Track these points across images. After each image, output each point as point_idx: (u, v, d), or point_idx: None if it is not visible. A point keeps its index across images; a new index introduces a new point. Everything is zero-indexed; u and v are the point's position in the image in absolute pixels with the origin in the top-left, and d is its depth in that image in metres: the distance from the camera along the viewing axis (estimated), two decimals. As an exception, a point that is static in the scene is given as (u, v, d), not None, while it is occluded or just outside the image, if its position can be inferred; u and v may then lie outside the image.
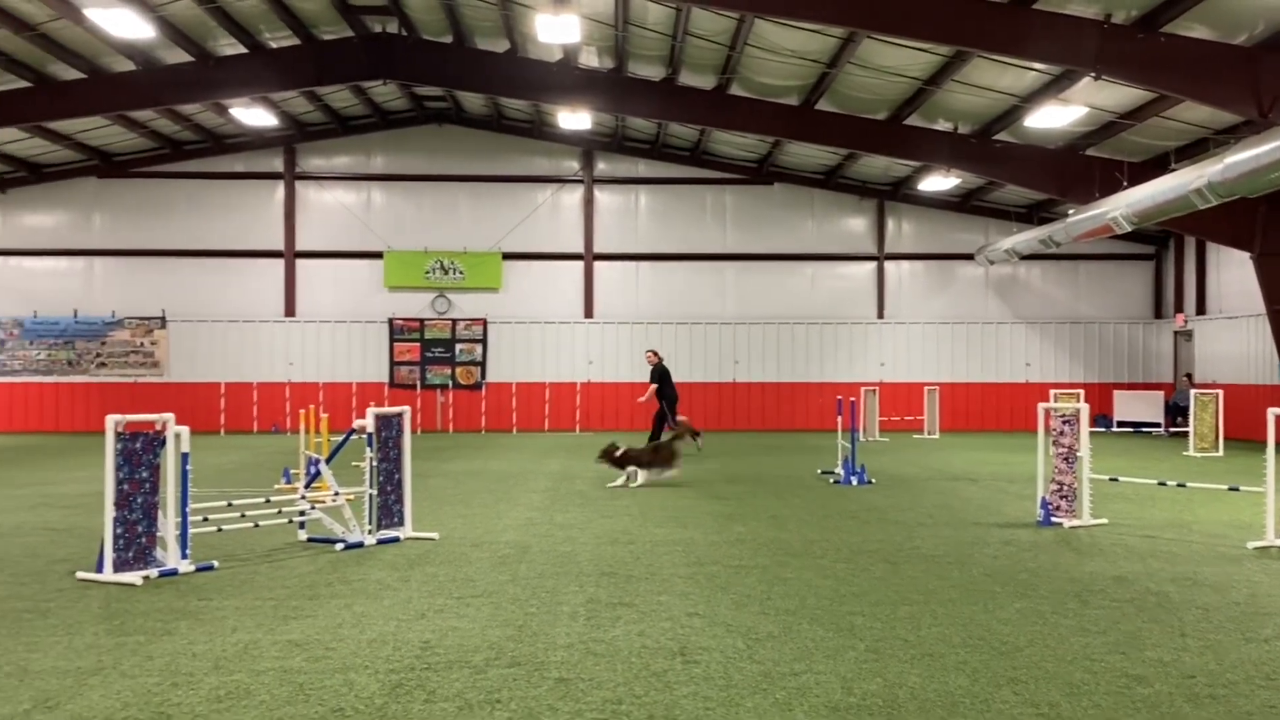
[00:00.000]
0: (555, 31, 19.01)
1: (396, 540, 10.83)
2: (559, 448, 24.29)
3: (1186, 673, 6.14)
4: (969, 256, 31.68)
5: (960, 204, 31.38)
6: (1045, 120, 21.15)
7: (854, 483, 16.39)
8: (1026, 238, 27.50)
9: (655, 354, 22.75)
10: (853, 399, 18.56)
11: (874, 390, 27.88)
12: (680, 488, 15.85)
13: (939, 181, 27.60)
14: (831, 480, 16.83)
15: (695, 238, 31.58)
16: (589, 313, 31.28)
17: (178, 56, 23.14)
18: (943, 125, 24.27)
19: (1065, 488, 12.40)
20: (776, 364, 31.53)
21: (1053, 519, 12.24)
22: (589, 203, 31.39)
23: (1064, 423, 12.54)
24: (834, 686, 5.82)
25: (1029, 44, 17.34)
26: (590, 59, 24.03)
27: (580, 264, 31.37)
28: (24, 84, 23.15)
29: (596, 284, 31.40)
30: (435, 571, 9.26)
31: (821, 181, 31.32)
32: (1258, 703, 5.60)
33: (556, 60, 24.09)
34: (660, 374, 22.04)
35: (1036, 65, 19.26)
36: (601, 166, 31.51)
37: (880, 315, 31.86)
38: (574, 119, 25.60)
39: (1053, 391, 24.36)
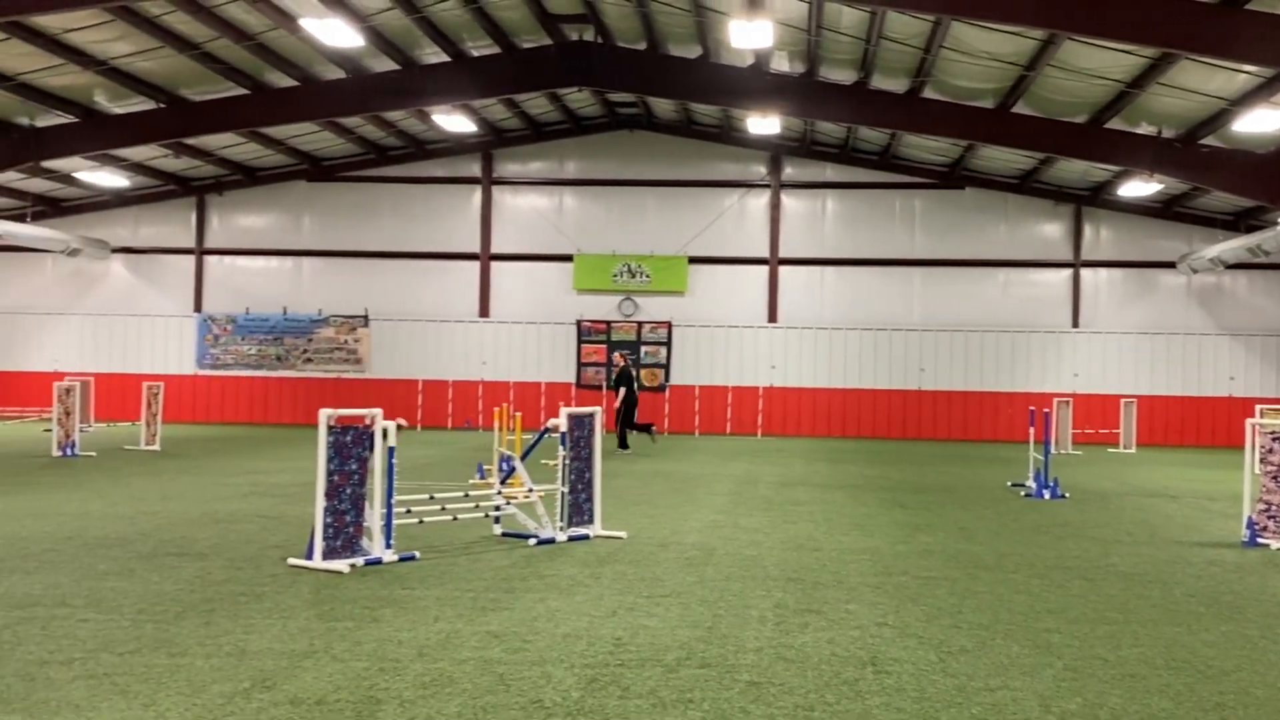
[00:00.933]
0: (748, 37, 19.08)
1: (586, 538, 11.07)
2: (741, 451, 24.35)
3: None
4: (1170, 264, 30.46)
5: (1162, 210, 30.20)
6: (1256, 124, 20.22)
7: (1046, 496, 15.98)
8: (1233, 246, 26.33)
9: (624, 357, 25.88)
10: (1045, 410, 18.08)
11: (1067, 401, 27.07)
12: (863, 495, 15.71)
13: (1140, 187, 26.63)
14: (1022, 493, 16.44)
15: (882, 243, 31.22)
16: (773, 317, 31.26)
17: (384, 65, 24.10)
18: (1146, 129, 23.41)
19: (1274, 508, 11.86)
20: (964, 372, 30.92)
21: (1259, 540, 11.72)
22: (775, 207, 31.38)
23: (1273, 439, 11.98)
24: (1031, 704, 5.74)
25: (1239, 45, 16.62)
26: (781, 63, 24.02)
27: (765, 269, 31.37)
28: (242, 91, 24.47)
29: (781, 289, 31.36)
30: (624, 570, 9.44)
31: (1015, 186, 30.58)
32: None
33: (748, 65, 24.17)
34: (623, 379, 23.84)
35: (1247, 67, 18.43)
36: (789, 171, 31.46)
37: (1075, 324, 30.93)
38: (763, 123, 25.64)
39: (1259, 407, 23.24)
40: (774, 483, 17.33)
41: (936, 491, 16.56)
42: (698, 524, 12.41)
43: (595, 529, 11.33)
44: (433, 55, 24.11)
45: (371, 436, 9.63)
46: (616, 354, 25.05)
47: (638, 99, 28.79)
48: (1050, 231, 31.12)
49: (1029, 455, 17.56)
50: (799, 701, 5.72)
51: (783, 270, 31.37)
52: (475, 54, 24.47)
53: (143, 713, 5.35)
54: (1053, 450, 24.90)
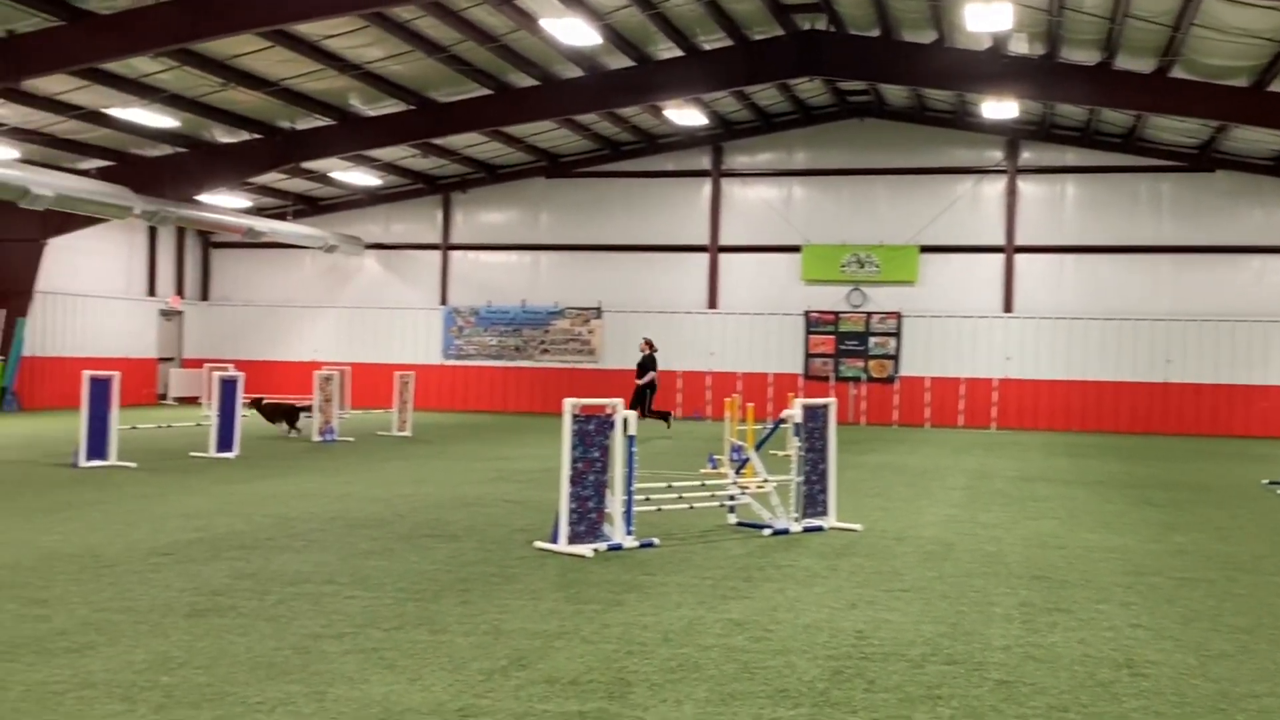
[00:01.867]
0: (986, 20, 18.67)
1: (820, 530, 11.09)
2: (974, 445, 23.83)
3: None
4: None
5: None
6: None
7: (1309, 496, 15.09)
8: None
9: (648, 344, 25.67)
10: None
11: (1332, 395, 25.38)
12: (1108, 491, 15.17)
13: None
14: (1279, 491, 15.59)
15: (1126, 229, 29.91)
16: (1008, 307, 30.41)
17: (619, 61, 24.58)
18: None
19: None
20: (1214, 364, 29.34)
21: None
22: (1011, 193, 30.48)
23: None
24: (1300, 713, 5.51)
25: None
26: (1020, 45, 23.31)
27: (1000, 257, 30.52)
28: (486, 92, 25.40)
29: (1017, 277, 30.45)
30: (861, 563, 9.43)
31: (1270, 168, 28.78)
32: None
33: (984, 49, 23.56)
34: (647, 363, 24.85)
35: None
36: (1026, 155, 30.50)
37: (1338, 312, 28.94)
38: (999, 108, 24.99)
39: None
40: (1011, 477, 16.92)
41: (1187, 488, 15.85)
42: (933, 518, 12.26)
43: (829, 520, 11.35)
44: (666, 51, 24.44)
45: (612, 425, 9.91)
46: (643, 340, 25.50)
47: (869, 87, 28.45)
48: (1311, 215, 29.21)
49: (1290, 453, 16.59)
50: (1052, 702, 5.63)
51: (1019, 258, 30.45)
52: (707, 47, 24.67)
53: (409, 686, 5.67)
54: (1316, 448, 23.48)
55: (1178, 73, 22.58)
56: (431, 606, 7.47)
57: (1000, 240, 30.51)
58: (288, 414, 21.35)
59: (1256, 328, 29.16)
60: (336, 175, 31.02)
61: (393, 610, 7.33)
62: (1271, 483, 16.62)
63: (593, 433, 9.83)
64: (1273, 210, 29.29)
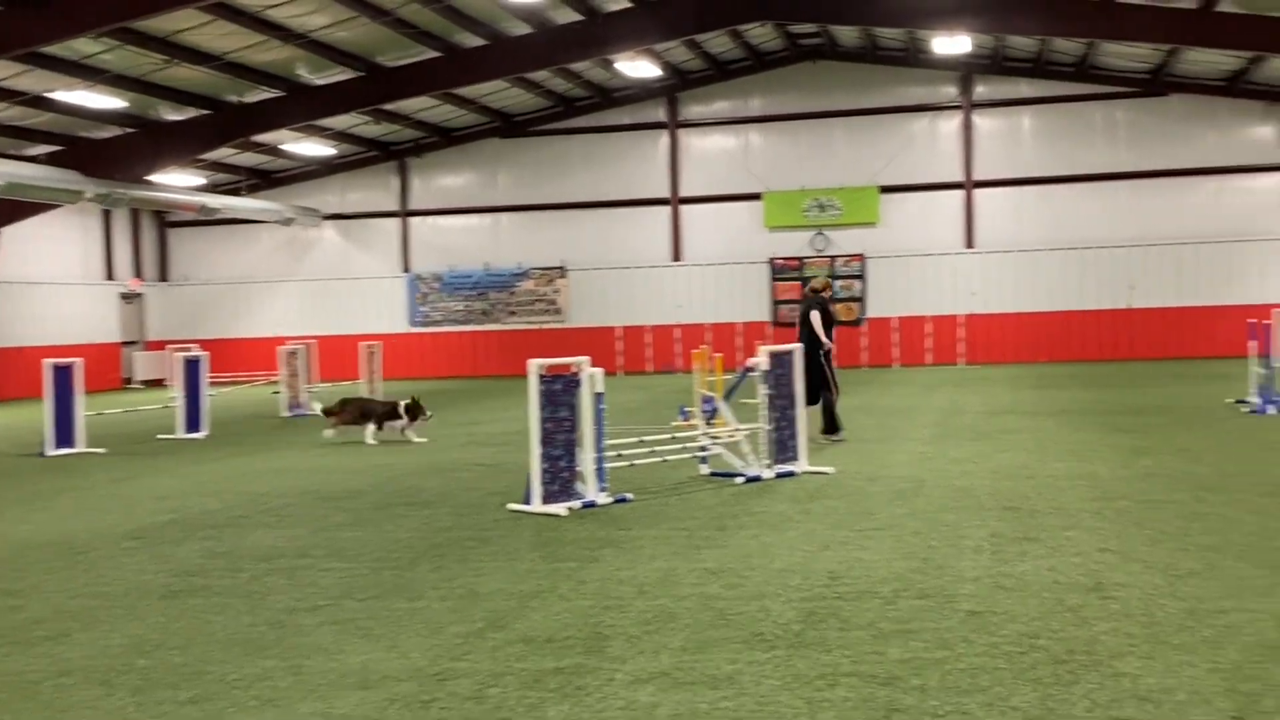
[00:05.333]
0: (932, -44, 18.57)
1: (792, 475, 11.16)
2: (943, 382, 23.98)
3: None
4: (1392, 159, 28.34)
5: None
6: None
7: (1271, 411, 15.30)
8: None
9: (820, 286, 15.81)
10: (1266, 321, 17.20)
11: (1293, 312, 25.62)
12: (1076, 419, 15.31)
13: (1368, 78, 24.88)
14: (1246, 409, 15.77)
15: (1084, 158, 30.00)
16: (970, 243, 30.50)
17: (567, 16, 24.35)
18: (1372, 15, 21.82)
19: None
20: (1176, 287, 29.56)
21: None
22: (967, 128, 30.50)
23: None
24: (1268, 625, 5.59)
25: None
26: (968, -21, 23.28)
27: (960, 193, 30.59)
28: (434, 54, 25.14)
29: (977, 212, 30.53)
30: (834, 505, 9.50)
31: (1223, 89, 28.87)
32: None
33: (933, -16, 23.51)
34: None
35: None
36: (980, 90, 30.49)
37: (1295, 229, 29.18)
38: (951, 43, 24.95)
39: None
40: (981, 412, 17.05)
41: (1154, 413, 16.02)
42: (905, 456, 12.35)
43: (801, 465, 11.41)
44: (614, 2, 24.23)
45: (578, 384, 9.90)
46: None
47: (820, 29, 28.30)
48: (1263, 134, 29.34)
49: (1250, 370, 16.77)
50: (1022, 629, 5.70)
51: (978, 193, 30.51)
52: (655, -4, 24.50)
53: (387, 653, 5.69)
54: (1277, 362, 23.67)
55: (1127, -2, 22.61)
56: (407, 574, 7.48)
57: (959, 176, 30.56)
58: (383, 414, 16.06)
59: (1217, 249, 29.37)
60: (288, 147, 30.69)
61: (368, 580, 7.34)
62: (1237, 401, 16.82)
63: (560, 392, 9.83)
64: (1227, 131, 29.43)
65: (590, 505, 9.80)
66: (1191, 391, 19.19)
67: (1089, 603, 6.16)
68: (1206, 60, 26.76)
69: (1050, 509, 8.95)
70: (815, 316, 14.25)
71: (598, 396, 10.04)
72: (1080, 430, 14.22)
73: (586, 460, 9.97)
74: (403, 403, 15.79)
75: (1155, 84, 29.16)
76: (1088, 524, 8.30)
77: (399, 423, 15.72)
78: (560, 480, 9.82)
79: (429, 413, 16.09)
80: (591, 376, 9.98)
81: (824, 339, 14.08)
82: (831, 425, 14.11)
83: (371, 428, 15.70)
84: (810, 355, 13.41)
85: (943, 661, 5.26)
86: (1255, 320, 17.79)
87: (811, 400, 13.30)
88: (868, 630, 5.80)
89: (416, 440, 15.63)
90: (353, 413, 16.05)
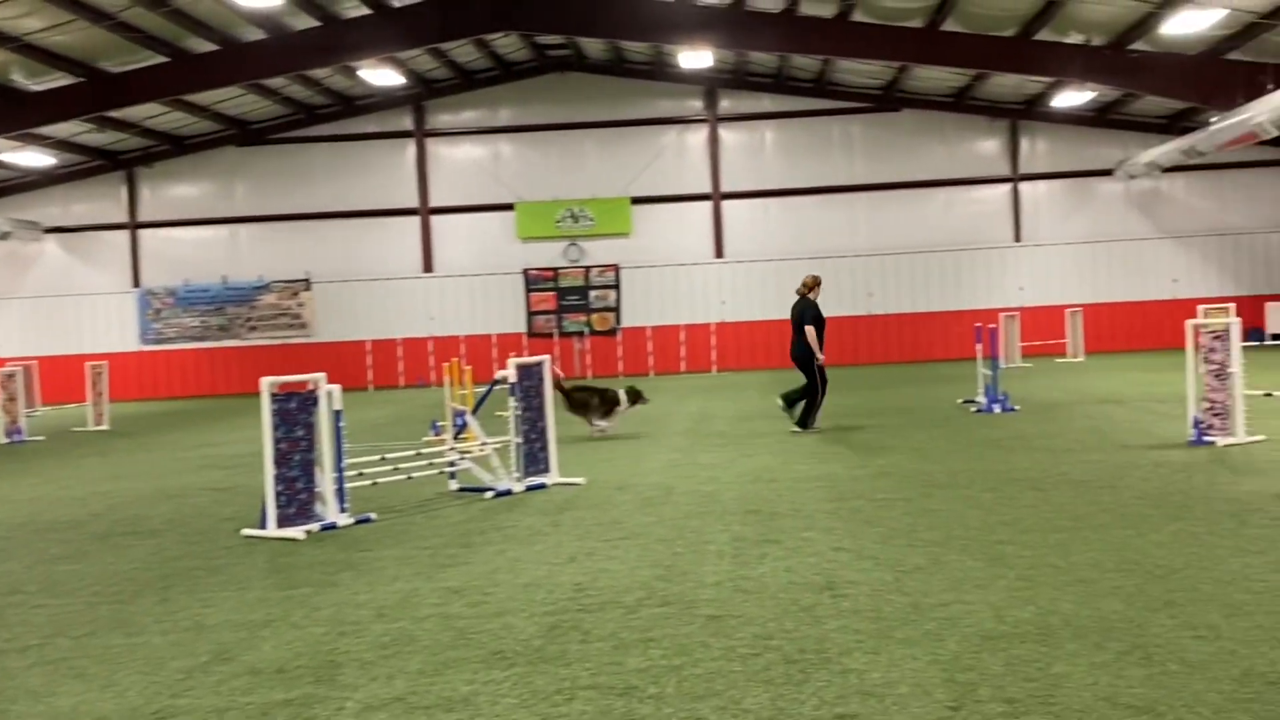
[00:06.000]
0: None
1: (543, 487, 11.05)
2: (696, 389, 24.41)
3: (1354, 592, 5.97)
4: (1108, 172, 30.67)
5: (1096, 118, 30.35)
6: (1183, 26, 20.33)
7: (997, 410, 16.17)
8: (1168, 149, 26.54)
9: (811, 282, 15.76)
10: (991, 325, 18.24)
11: (1014, 315, 27.32)
12: (821, 422, 15.80)
13: (1073, 97, 26.76)
14: (973, 409, 16.61)
15: (824, 170, 31.21)
16: (719, 252, 31.24)
17: (304, 22, 23.65)
18: (1075, 38, 23.47)
19: (1218, 405, 12.04)
20: (912, 294, 31.09)
21: (1205, 438, 11.90)
22: (714, 141, 31.25)
23: (1214, 339, 12.14)
24: (985, 615, 5.81)
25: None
26: (709, -5, 23.84)
27: (709, 204, 31.30)
28: (162, 59, 23.96)
29: (726, 223, 31.31)
30: (583, 516, 9.44)
31: (950, 104, 30.60)
32: None
33: None
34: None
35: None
36: (725, 104, 31.30)
37: (1017, 238, 31.13)
38: (695, 58, 25.49)
39: (1201, 307, 23.52)
40: (730, 417, 17.39)
41: (890, 414, 16.69)
42: (656, 464, 12.43)
43: (552, 477, 11.31)
44: (353, 9, 23.68)
45: (315, 401, 9.53)
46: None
47: (567, 40, 28.46)
48: (988, 148, 31.23)
49: (978, 371, 17.70)
50: (757, 631, 5.76)
51: (726, 205, 31.30)
52: (397, 4, 24.06)
53: (101, 694, 5.31)
54: (1002, 364, 25.16)
55: (858, 16, 23.59)
56: (128, 608, 7.00)
57: (707, 188, 31.27)
58: (608, 402, 15.75)
59: (949, 257, 31.03)
60: (5, 156, 28.69)
61: (84, 616, 6.84)
62: (966, 401, 17.72)
63: (295, 411, 9.42)
64: (954, 145, 31.16)
65: (330, 527, 9.43)
66: (925, 393, 20.11)
67: (821, 601, 6.27)
68: (934, 77, 28.28)
69: (790, 511, 9.13)
70: (810, 332, 14.69)
71: (336, 414, 9.68)
72: (822, 433, 14.66)
73: (326, 481, 9.59)
74: (623, 390, 15.89)
75: (888, 100, 30.61)
76: (824, 524, 8.50)
77: (620, 408, 15.73)
78: (298, 502, 9.41)
79: (647, 399, 16.23)
80: (329, 393, 9.62)
81: (818, 353, 14.63)
82: (807, 420, 14.84)
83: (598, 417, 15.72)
84: (806, 356, 14.74)
85: (680, 668, 5.25)
86: (981, 324, 18.84)
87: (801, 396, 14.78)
88: (608, 641, 5.75)
89: (607, 426, 15.63)
90: (586, 399, 15.82)
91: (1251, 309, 29.70)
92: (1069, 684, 4.73)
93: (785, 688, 4.89)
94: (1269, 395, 13.29)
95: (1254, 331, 28.90)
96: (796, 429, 14.84)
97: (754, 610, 6.16)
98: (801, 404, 15.00)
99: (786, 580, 6.80)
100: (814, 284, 15.47)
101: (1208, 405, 12.11)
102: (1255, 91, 22.22)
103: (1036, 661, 5.03)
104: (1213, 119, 23.85)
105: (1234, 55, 23.08)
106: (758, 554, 7.57)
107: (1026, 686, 4.73)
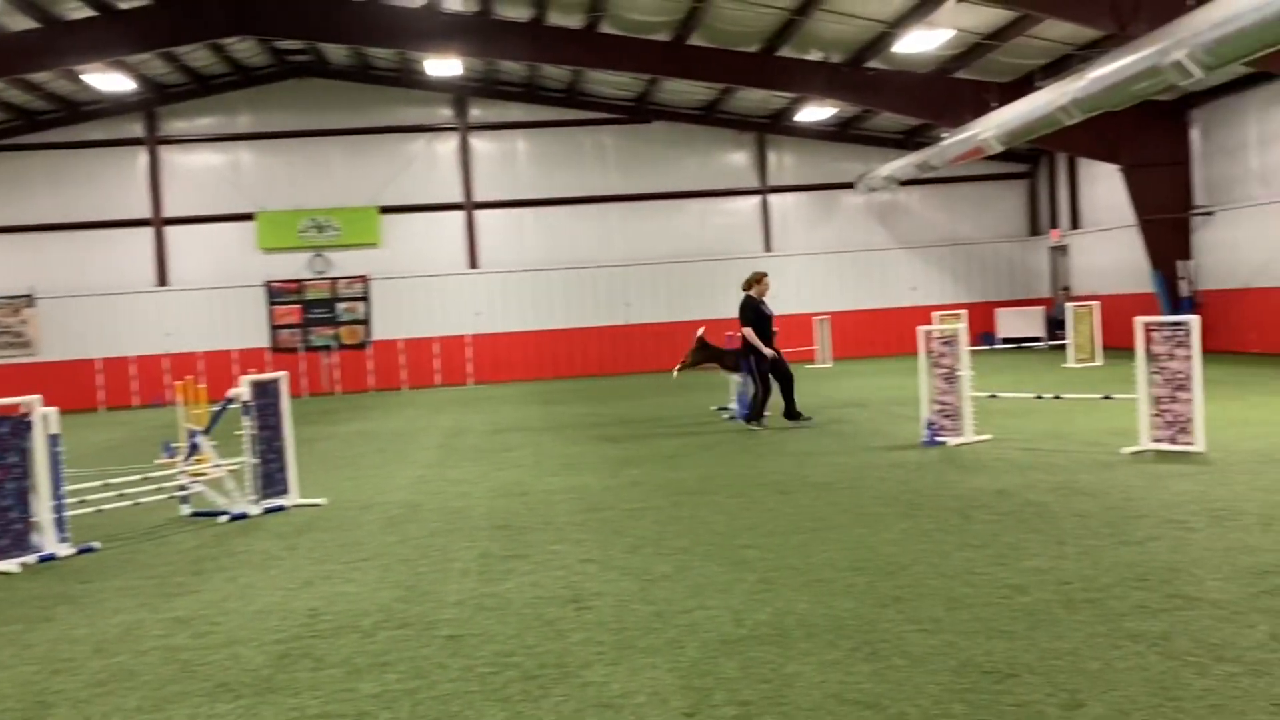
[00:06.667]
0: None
1: (282, 509, 10.62)
2: (451, 402, 24.08)
3: (1063, 579, 6.29)
4: (850, 185, 31.91)
5: (838, 133, 31.58)
6: (914, 45, 21.33)
7: (747, 416, 16.49)
8: (903, 164, 27.82)
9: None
10: (741, 334, 18.59)
11: (763, 323, 28.05)
12: (573, 434, 15.81)
13: (816, 112, 27.74)
14: (726, 416, 16.92)
15: (577, 181, 31.34)
16: (474, 263, 30.94)
17: (22, 23, 22.08)
18: (815, 55, 24.34)
19: (948, 407, 12.63)
20: (668, 304, 31.55)
21: (938, 438, 12.46)
22: (465, 150, 30.94)
23: (944, 343, 12.75)
24: (725, 620, 5.85)
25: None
26: (455, 2, 23.53)
27: (461, 214, 30.96)
28: None
29: (479, 233, 31.03)
30: (323, 538, 9.10)
31: (700, 117, 31.25)
32: (1130, 604, 5.75)
33: (421, 5, 23.54)
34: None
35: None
36: (475, 112, 31.03)
37: (768, 248, 32.04)
38: (443, 65, 25.14)
39: (935, 313, 24.81)
40: (484, 431, 17.19)
41: (645, 423, 16.83)
42: (403, 481, 12.13)
43: (292, 498, 10.87)
44: (76, 9, 22.27)
45: (29, 425, 8.86)
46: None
47: (308, 46, 27.59)
48: (737, 160, 32.03)
49: (729, 378, 18.04)
50: (499, 649, 5.63)
51: (479, 215, 31.03)
52: (124, 6, 22.77)
53: None
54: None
55: (606, 28, 23.78)
56: None
57: (459, 197, 30.92)
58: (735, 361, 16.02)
59: (703, 267, 31.63)
60: None
61: None
62: (719, 409, 18.03)
63: (6, 436, 8.74)
64: (705, 157, 31.82)
65: (49, 558, 8.79)
66: (680, 402, 20.40)
67: (566, 615, 6.19)
68: (684, 90, 28.80)
69: (540, 524, 9.03)
70: (749, 333, 14.56)
71: (53, 438, 9.03)
72: (576, 444, 14.65)
73: (43, 509, 8.93)
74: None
75: (640, 111, 31.00)
76: (574, 536, 8.44)
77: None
78: (11, 533, 8.72)
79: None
80: (45, 416, 8.97)
81: (764, 350, 14.50)
82: (756, 415, 14.82)
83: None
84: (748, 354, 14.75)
85: (416, 691, 5.09)
86: (733, 333, 19.16)
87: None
88: (342, 667, 5.53)
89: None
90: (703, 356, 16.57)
91: (984, 314, 31.47)
92: (800, 683, 4.79)
93: (523, 705, 4.79)
94: (994, 397, 14.04)
95: (985, 336, 30.62)
96: (752, 427, 14.79)
97: (496, 627, 6.03)
98: (764, 404, 14.96)
99: (532, 595, 6.69)
100: (753, 280, 15.06)
101: (939, 407, 12.70)
102: (981, 109, 23.55)
103: (771, 663, 5.08)
104: (944, 135, 25.15)
105: (961, 74, 24.42)
106: (504, 570, 7.44)
107: (760, 688, 4.76)
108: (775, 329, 15.23)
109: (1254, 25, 13.07)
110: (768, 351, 14.59)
